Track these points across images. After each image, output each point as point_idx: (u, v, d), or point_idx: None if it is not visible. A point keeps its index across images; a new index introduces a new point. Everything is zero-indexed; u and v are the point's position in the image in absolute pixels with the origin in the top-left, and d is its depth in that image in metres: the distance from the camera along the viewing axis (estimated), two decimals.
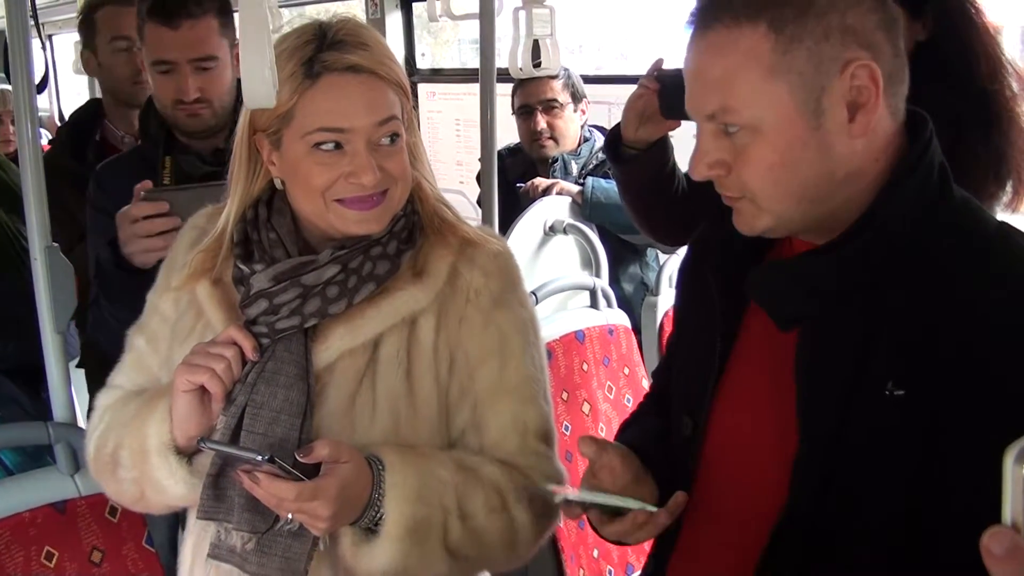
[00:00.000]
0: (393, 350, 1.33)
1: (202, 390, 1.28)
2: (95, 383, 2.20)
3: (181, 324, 1.41)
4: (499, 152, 3.12)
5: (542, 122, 3.07)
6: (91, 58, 2.61)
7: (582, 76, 3.22)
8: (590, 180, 2.95)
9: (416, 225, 1.37)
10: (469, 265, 1.37)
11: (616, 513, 1.18)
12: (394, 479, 1.25)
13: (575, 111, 3.11)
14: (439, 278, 1.35)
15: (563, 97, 3.06)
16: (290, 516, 1.22)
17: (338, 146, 1.27)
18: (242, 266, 1.34)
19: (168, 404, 1.31)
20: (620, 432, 1.42)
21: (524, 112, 3.10)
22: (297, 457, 1.20)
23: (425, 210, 1.39)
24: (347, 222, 1.30)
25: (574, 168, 3.08)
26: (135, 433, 1.35)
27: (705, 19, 1.08)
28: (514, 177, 3.13)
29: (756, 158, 1.06)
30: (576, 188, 2.97)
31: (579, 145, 3.13)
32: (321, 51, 1.26)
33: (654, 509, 1.15)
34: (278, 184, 1.35)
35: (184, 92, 1.94)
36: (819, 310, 1.09)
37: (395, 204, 1.32)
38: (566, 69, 3.08)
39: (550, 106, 3.05)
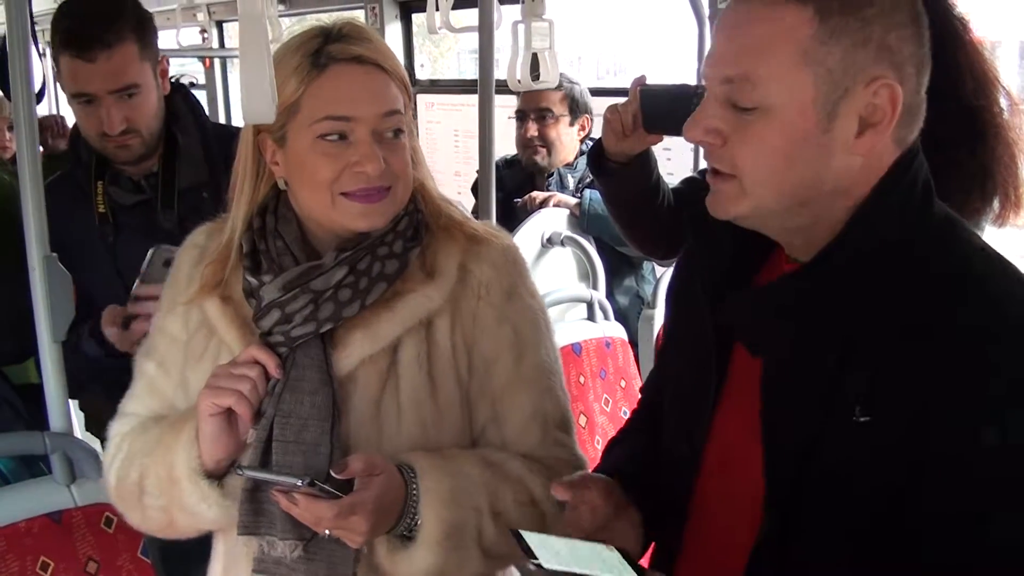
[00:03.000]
0: (413, 353, 1.33)
1: (228, 412, 1.28)
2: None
3: (193, 345, 1.40)
4: (495, 163, 3.13)
5: (532, 129, 3.07)
6: None
7: None
8: (587, 192, 2.94)
9: (421, 223, 1.38)
10: (477, 261, 1.37)
11: None
12: (427, 484, 1.27)
13: (572, 124, 3.10)
14: (450, 277, 1.36)
15: (558, 109, 3.06)
16: (327, 532, 1.23)
17: (342, 137, 1.28)
18: (251, 278, 1.34)
19: (194, 429, 1.30)
20: (608, 450, 1.41)
21: (520, 117, 3.10)
22: (332, 474, 1.21)
23: (430, 208, 1.40)
24: (352, 216, 1.30)
25: (570, 181, 3.08)
26: (161, 461, 1.34)
27: None
28: (511, 189, 3.13)
29: (759, 138, 1.04)
30: (573, 200, 2.97)
31: (576, 159, 3.12)
32: (327, 44, 1.28)
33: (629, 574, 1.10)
34: (282, 185, 1.36)
35: (109, 125, 1.87)
36: (789, 335, 1.08)
37: (398, 201, 1.33)
38: (573, 83, 3.08)
39: (542, 115, 3.06)
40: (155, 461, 1.34)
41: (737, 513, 1.15)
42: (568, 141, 3.11)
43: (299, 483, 1.17)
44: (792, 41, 1.02)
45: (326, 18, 1.37)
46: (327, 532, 1.23)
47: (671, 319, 1.35)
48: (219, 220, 1.43)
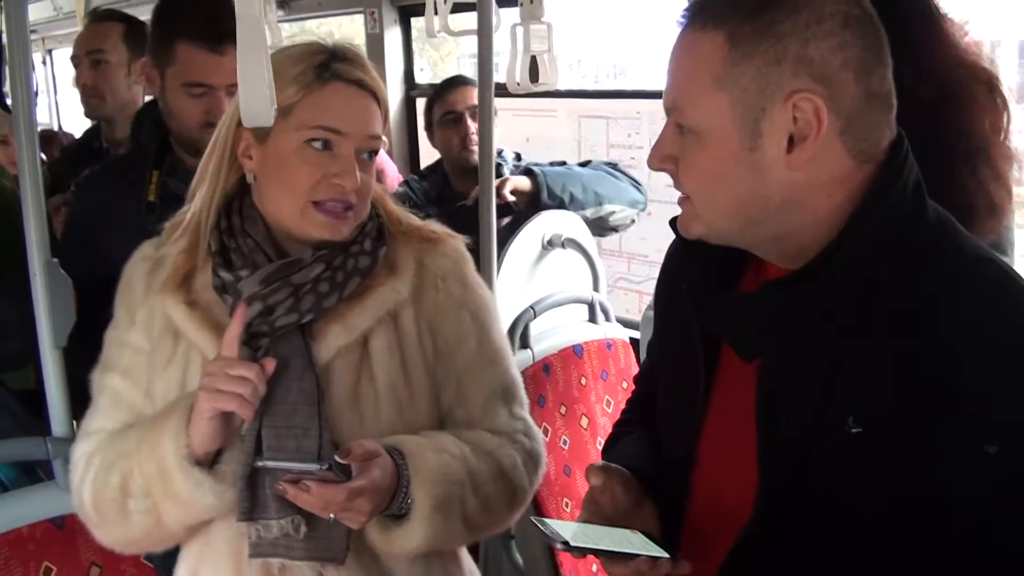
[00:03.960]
0: (384, 343, 1.43)
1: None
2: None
3: (159, 354, 1.43)
4: (412, 178, 3.18)
5: (472, 126, 3.02)
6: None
7: (581, 91, 3.22)
8: (536, 170, 2.92)
9: (384, 227, 1.48)
10: (432, 256, 1.50)
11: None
12: (417, 464, 1.35)
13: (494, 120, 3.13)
14: (410, 271, 1.47)
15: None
16: (332, 516, 1.30)
17: (327, 147, 1.36)
18: (225, 274, 1.40)
19: (180, 420, 1.34)
20: (607, 446, 1.43)
21: (450, 120, 3.05)
22: (337, 459, 1.27)
23: (389, 214, 1.51)
24: (317, 226, 1.38)
25: (506, 171, 3.06)
26: (147, 458, 1.36)
27: (684, 19, 1.10)
28: (437, 197, 3.09)
29: (694, 162, 1.09)
30: (526, 180, 2.93)
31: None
32: (333, 61, 1.37)
33: (660, 555, 1.13)
34: (250, 178, 1.42)
35: (218, 116, 1.92)
36: (781, 343, 1.09)
37: (360, 218, 1.43)
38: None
39: (476, 113, 3.04)
40: (140, 460, 1.37)
41: (730, 512, 1.15)
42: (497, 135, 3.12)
43: (320, 468, 1.24)
44: (707, 67, 1.05)
45: (325, 37, 1.44)
46: (331, 516, 1.29)
47: (659, 318, 1.37)
48: (164, 234, 1.49)
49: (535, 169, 2.94)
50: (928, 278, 1.03)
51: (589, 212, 2.95)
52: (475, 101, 3.00)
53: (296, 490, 1.25)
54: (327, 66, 1.37)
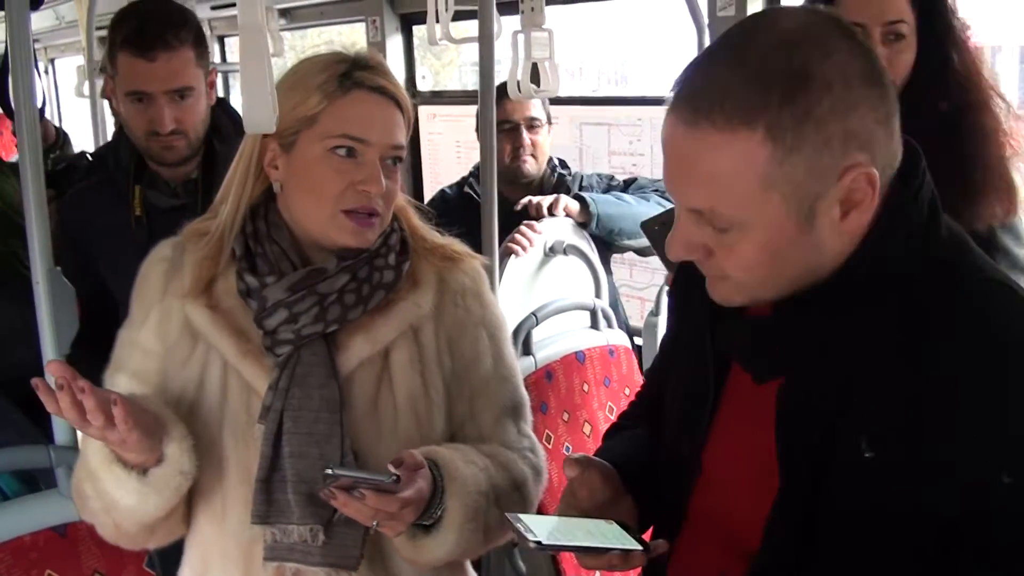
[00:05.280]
0: (405, 356, 1.44)
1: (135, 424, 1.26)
2: None
3: (174, 354, 1.44)
4: (444, 190, 3.12)
5: (527, 138, 3.01)
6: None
7: (581, 98, 3.22)
8: (590, 197, 2.90)
9: (406, 240, 1.50)
10: (453, 273, 1.51)
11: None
12: (451, 475, 1.36)
13: (548, 131, 3.09)
14: (431, 287, 1.48)
15: (542, 116, 3.05)
16: (376, 523, 1.29)
17: (350, 154, 1.37)
18: (251, 279, 1.40)
19: None
20: (606, 437, 1.45)
21: (506, 129, 2.99)
22: (390, 469, 1.28)
23: (412, 230, 1.52)
24: (344, 233, 1.39)
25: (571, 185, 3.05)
26: (82, 460, 1.39)
27: (693, 115, 0.99)
28: (465, 202, 3.05)
29: (741, 253, 1.02)
30: (577, 205, 2.91)
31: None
32: (355, 69, 1.38)
33: (634, 547, 1.12)
34: (276, 188, 1.43)
35: (160, 124, 1.94)
36: (793, 365, 1.07)
37: (384, 224, 1.44)
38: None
39: (532, 124, 3.02)
40: (83, 455, 1.39)
41: (732, 524, 1.15)
42: (547, 147, 3.09)
43: (389, 480, 1.25)
44: (749, 170, 0.98)
45: (345, 47, 1.44)
46: (375, 524, 1.29)
47: (672, 327, 1.37)
48: (183, 237, 1.49)
49: (588, 199, 2.88)
50: (942, 301, 1.01)
51: (635, 243, 2.91)
52: (531, 112, 3.00)
53: (347, 497, 1.23)
54: (349, 75, 1.38)
